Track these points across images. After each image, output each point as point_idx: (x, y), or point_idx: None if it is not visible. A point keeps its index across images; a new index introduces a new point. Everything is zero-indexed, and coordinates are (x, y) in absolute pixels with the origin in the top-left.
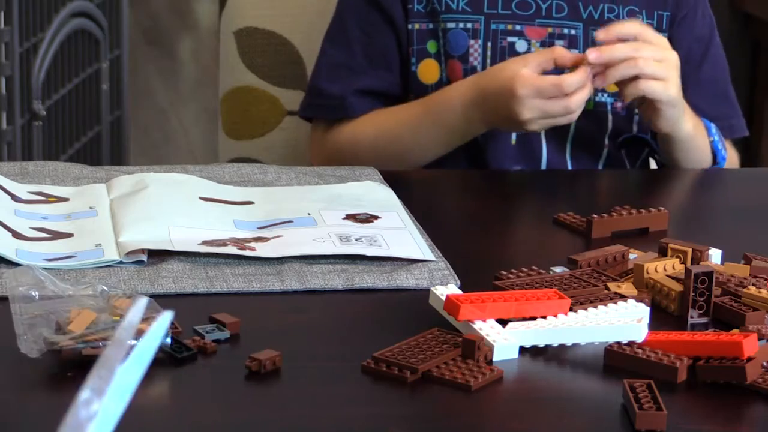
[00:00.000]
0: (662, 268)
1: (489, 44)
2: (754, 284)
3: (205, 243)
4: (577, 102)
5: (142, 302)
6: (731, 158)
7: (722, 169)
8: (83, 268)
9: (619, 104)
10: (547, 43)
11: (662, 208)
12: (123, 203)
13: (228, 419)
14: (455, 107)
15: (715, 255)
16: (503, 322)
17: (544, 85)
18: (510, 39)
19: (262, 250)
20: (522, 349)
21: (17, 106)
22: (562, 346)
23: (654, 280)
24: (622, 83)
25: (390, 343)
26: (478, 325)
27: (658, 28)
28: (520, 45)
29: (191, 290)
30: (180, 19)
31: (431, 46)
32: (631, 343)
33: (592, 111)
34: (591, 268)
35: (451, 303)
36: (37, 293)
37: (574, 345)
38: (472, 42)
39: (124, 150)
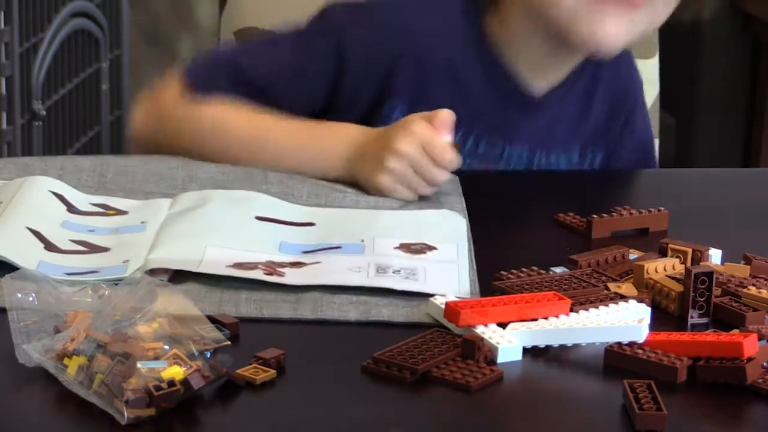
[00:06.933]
0: (662, 268)
1: None
2: (754, 284)
3: (236, 265)
4: (443, 177)
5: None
6: None
7: (722, 169)
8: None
9: None
10: None
11: (662, 208)
12: (175, 219)
13: (228, 419)
14: (340, 138)
15: (715, 255)
16: (503, 325)
17: (437, 142)
18: None
19: (290, 276)
20: (523, 350)
21: (17, 106)
22: (562, 347)
23: (654, 280)
24: None
25: (390, 343)
26: (480, 330)
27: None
28: None
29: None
30: (180, 19)
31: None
32: (631, 344)
33: None
34: (591, 269)
35: (450, 310)
36: (35, 298)
37: (575, 345)
38: None
39: (124, 150)
